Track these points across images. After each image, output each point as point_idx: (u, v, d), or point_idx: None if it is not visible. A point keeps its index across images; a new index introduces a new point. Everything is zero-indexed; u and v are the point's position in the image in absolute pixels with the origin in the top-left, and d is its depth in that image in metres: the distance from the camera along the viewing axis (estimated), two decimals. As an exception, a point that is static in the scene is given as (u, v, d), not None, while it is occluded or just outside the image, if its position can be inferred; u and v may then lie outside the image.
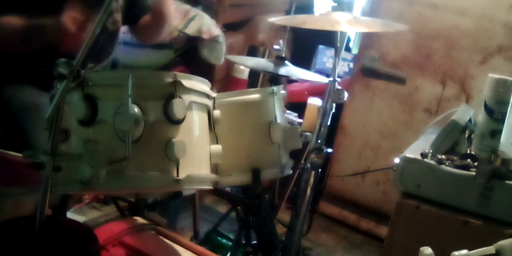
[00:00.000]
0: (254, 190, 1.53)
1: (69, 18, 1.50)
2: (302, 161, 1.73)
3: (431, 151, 1.86)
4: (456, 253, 0.99)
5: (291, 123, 1.83)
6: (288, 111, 1.96)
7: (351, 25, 1.55)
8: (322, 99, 1.75)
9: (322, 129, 1.69)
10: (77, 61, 1.00)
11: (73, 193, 1.62)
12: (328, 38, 2.50)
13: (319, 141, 1.69)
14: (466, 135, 1.93)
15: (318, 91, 2.43)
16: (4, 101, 1.66)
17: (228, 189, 2.04)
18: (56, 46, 1.51)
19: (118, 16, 1.81)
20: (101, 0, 1.05)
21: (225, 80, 2.86)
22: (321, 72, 3.06)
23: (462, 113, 1.99)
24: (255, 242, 1.70)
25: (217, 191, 1.98)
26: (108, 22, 1.74)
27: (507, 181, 1.70)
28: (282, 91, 1.59)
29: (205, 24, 2.55)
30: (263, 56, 2.81)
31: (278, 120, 1.52)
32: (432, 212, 1.80)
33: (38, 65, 1.53)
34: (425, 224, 1.81)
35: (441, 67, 2.63)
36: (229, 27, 2.91)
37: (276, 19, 1.69)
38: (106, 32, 1.73)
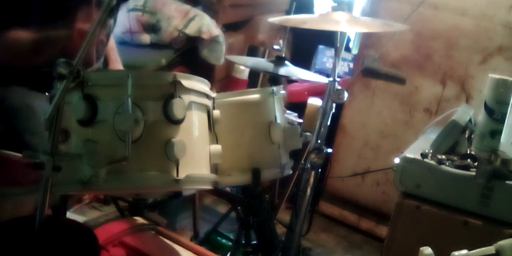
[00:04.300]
0: (254, 190, 1.53)
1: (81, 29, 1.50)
2: (302, 161, 1.73)
3: (431, 151, 1.86)
4: (456, 253, 0.98)
5: (291, 123, 1.83)
6: (288, 111, 1.96)
7: (351, 25, 1.54)
8: (322, 99, 1.75)
9: (322, 129, 1.69)
10: (76, 61, 1.00)
11: (73, 193, 1.62)
12: (328, 38, 2.50)
13: (319, 141, 1.69)
14: (466, 135, 1.93)
15: (318, 91, 2.43)
16: None
17: (228, 189, 2.04)
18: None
19: (111, 20, 1.82)
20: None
21: (225, 80, 2.86)
22: (321, 72, 3.07)
23: (462, 113, 1.99)
24: (255, 242, 1.70)
25: (217, 191, 1.98)
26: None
27: (507, 181, 1.70)
28: (282, 91, 1.59)
29: (205, 24, 2.56)
30: (263, 56, 2.81)
31: (278, 120, 1.52)
32: (432, 212, 1.80)
33: (32, 66, 1.53)
34: (425, 224, 1.81)
35: (441, 67, 2.63)
36: (229, 27, 2.91)
37: (276, 19, 1.68)
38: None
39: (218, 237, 2.19)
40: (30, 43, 1.51)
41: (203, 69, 2.63)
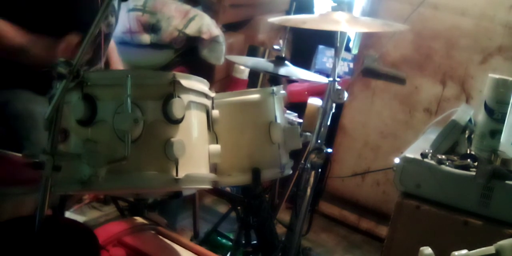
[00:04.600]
0: (254, 190, 1.53)
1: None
2: (302, 161, 1.73)
3: (431, 151, 1.86)
4: (456, 253, 0.98)
5: (291, 123, 1.83)
6: (288, 111, 1.96)
7: (351, 25, 1.54)
8: (322, 99, 1.75)
9: (322, 129, 1.69)
10: (76, 60, 1.00)
11: (73, 193, 1.62)
12: (328, 38, 2.50)
13: (319, 141, 1.69)
14: (466, 135, 1.93)
15: (318, 91, 2.43)
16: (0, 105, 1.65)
17: (228, 189, 2.04)
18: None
19: (113, 19, 1.81)
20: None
21: (225, 80, 2.86)
22: (321, 72, 3.07)
23: (462, 113, 1.99)
24: (255, 242, 1.70)
25: (217, 191, 1.98)
26: (103, 25, 1.74)
27: (507, 181, 1.70)
28: (282, 91, 1.59)
29: (205, 24, 2.55)
30: (263, 56, 2.80)
31: (278, 120, 1.52)
32: (432, 212, 1.80)
33: (34, 68, 1.53)
34: (425, 224, 1.81)
35: (441, 67, 2.63)
36: (229, 27, 2.91)
37: (276, 19, 1.68)
38: (100, 35, 1.73)
39: (218, 237, 2.19)
40: (12, 46, 1.56)
41: (203, 69, 2.62)
